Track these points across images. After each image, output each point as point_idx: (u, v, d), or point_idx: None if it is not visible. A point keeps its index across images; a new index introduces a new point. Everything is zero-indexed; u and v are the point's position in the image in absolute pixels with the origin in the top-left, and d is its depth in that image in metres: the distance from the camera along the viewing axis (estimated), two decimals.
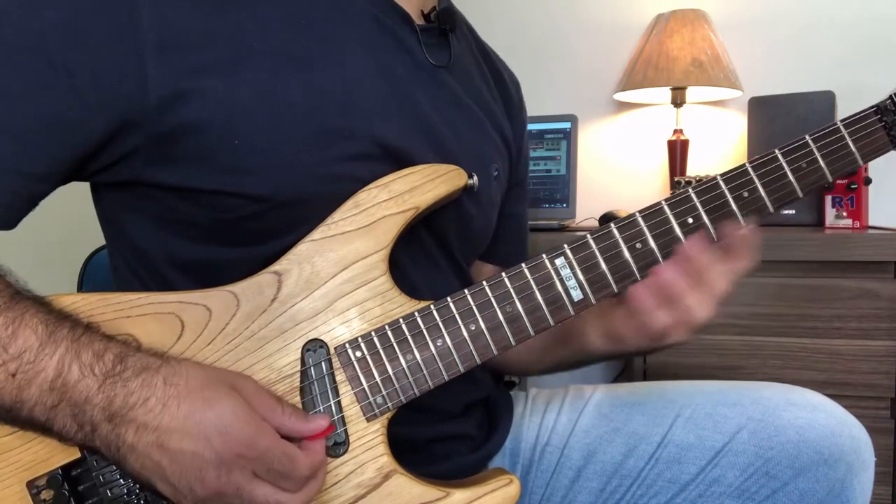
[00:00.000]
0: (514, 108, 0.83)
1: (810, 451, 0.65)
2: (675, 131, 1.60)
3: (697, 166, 1.67)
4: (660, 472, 0.71)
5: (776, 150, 0.60)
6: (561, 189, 1.61)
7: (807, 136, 0.60)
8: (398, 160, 0.61)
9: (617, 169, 1.76)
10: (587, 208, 1.69)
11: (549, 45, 1.79)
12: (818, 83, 1.53)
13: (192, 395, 0.49)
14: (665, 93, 1.62)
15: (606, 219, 1.38)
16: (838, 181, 1.29)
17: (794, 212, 1.40)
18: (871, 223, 1.35)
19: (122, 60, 0.53)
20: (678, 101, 1.59)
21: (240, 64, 0.56)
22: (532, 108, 1.69)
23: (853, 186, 1.28)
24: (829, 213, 1.31)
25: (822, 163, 0.60)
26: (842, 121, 0.61)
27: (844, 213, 1.30)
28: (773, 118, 1.43)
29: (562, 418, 0.77)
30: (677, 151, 1.59)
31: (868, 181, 1.28)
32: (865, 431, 0.68)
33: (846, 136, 0.61)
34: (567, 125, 1.62)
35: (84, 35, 0.52)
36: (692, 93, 1.59)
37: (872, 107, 0.62)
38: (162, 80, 0.53)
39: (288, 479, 0.50)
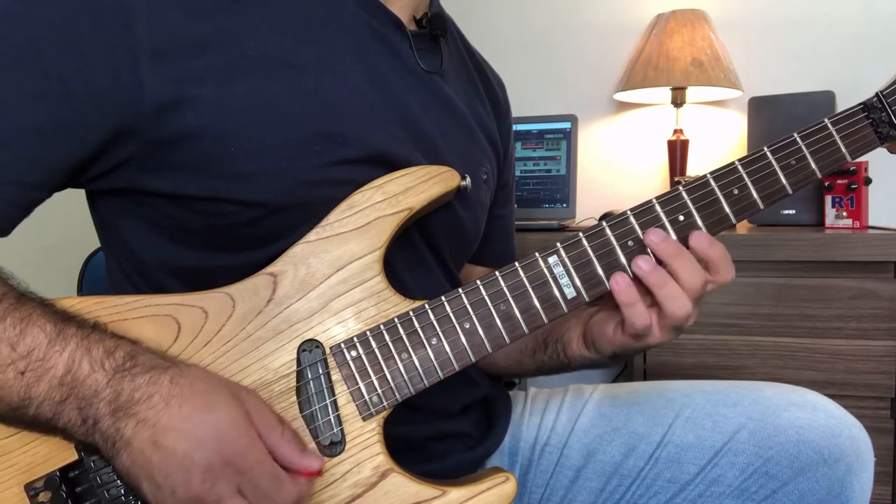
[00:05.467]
0: (501, 111, 0.83)
1: (810, 451, 0.65)
2: (675, 131, 1.60)
3: (697, 166, 1.67)
4: (659, 472, 0.71)
5: (765, 148, 0.61)
6: (561, 189, 1.61)
7: (795, 134, 0.61)
8: (390, 165, 0.61)
9: (617, 169, 1.76)
10: (587, 208, 1.69)
11: (549, 45, 1.79)
12: (818, 83, 1.53)
13: (195, 398, 0.49)
14: (665, 93, 1.62)
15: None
16: (838, 181, 1.29)
17: (794, 212, 1.39)
18: (871, 223, 1.35)
19: (117, 68, 0.53)
20: (678, 101, 1.59)
21: (233, 71, 0.56)
22: (532, 108, 1.71)
23: (853, 186, 1.28)
24: (829, 213, 1.31)
25: (810, 160, 0.61)
26: (829, 118, 0.61)
27: (844, 213, 1.29)
28: (773, 118, 1.43)
29: (561, 418, 0.77)
30: (677, 151, 1.59)
31: (868, 181, 1.28)
32: (865, 431, 0.68)
33: (834, 132, 0.61)
34: (567, 125, 1.62)
35: (78, 43, 0.52)
36: (692, 93, 1.59)
37: (859, 104, 0.62)
38: (156, 87, 0.53)
39: (270, 503, 0.50)
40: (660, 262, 0.58)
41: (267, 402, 0.54)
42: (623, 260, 0.59)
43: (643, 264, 0.58)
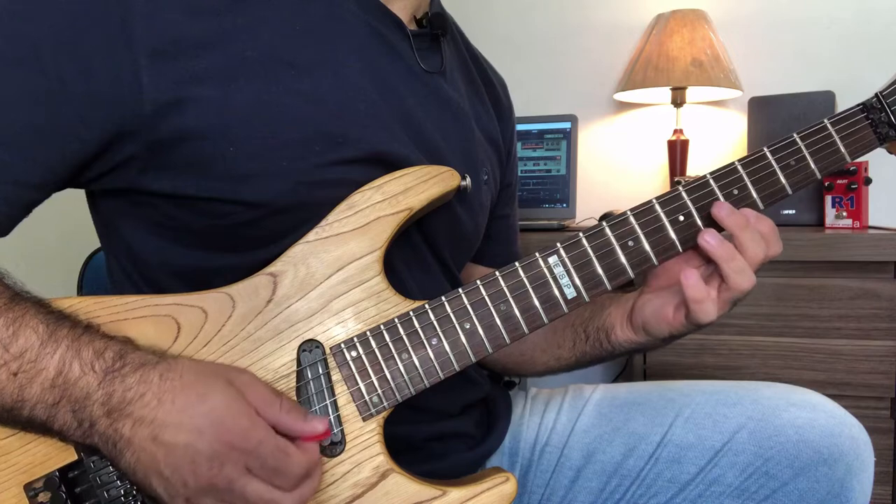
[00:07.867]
0: (504, 111, 0.83)
1: (810, 451, 0.65)
2: (675, 131, 1.60)
3: (697, 166, 1.67)
4: (659, 472, 0.71)
5: (765, 148, 0.61)
6: (561, 189, 1.61)
7: (795, 135, 0.61)
8: (391, 165, 0.61)
9: (617, 169, 1.76)
10: (587, 208, 1.69)
11: (549, 45, 1.79)
12: (818, 83, 1.53)
13: (186, 390, 0.49)
14: (665, 93, 1.62)
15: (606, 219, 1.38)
16: (838, 181, 1.29)
17: (794, 212, 1.39)
18: (871, 223, 1.35)
19: (116, 69, 0.53)
20: (678, 101, 1.59)
21: (234, 71, 0.56)
22: (532, 108, 1.71)
23: (853, 186, 1.28)
24: (829, 213, 1.31)
25: (810, 160, 0.61)
26: (829, 118, 0.62)
27: (844, 213, 1.29)
28: (773, 118, 1.43)
29: (561, 418, 0.77)
30: (677, 151, 1.59)
31: (868, 181, 1.28)
32: (865, 431, 0.68)
33: (833, 133, 0.61)
34: (567, 125, 1.62)
35: (77, 44, 0.52)
36: (692, 93, 1.59)
37: (858, 105, 0.62)
38: (156, 88, 0.53)
39: (281, 476, 0.50)
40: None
41: (261, 378, 0.54)
42: (623, 260, 0.59)
43: (710, 239, 0.59)
